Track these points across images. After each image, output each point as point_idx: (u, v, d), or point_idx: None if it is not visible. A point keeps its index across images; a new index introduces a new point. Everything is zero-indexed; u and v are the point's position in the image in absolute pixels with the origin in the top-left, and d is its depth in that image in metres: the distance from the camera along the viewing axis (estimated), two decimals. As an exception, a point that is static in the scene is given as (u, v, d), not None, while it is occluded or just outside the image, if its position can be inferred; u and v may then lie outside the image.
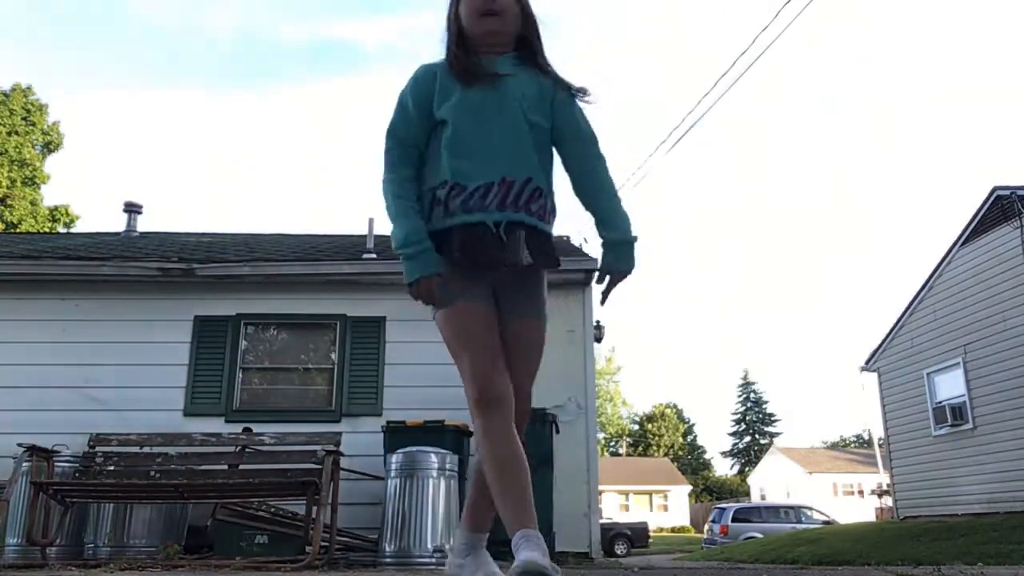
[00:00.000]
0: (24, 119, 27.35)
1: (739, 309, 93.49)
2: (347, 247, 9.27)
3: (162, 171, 72.87)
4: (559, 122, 2.24)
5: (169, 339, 7.82)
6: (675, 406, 65.00)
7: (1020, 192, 13.25)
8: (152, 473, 6.16)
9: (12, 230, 24.25)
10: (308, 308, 8.00)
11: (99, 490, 5.95)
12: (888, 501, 22.38)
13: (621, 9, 66.05)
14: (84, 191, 74.40)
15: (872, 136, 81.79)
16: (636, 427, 63.52)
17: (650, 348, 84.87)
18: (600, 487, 13.22)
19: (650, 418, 62.82)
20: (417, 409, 7.07)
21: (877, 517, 27.83)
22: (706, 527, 23.54)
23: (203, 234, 11.13)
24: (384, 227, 10.62)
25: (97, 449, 6.57)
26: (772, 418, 63.77)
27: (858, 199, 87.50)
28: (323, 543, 5.51)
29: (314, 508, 5.37)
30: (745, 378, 65.17)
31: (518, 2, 2.22)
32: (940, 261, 15.38)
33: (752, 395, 64.66)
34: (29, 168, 27.03)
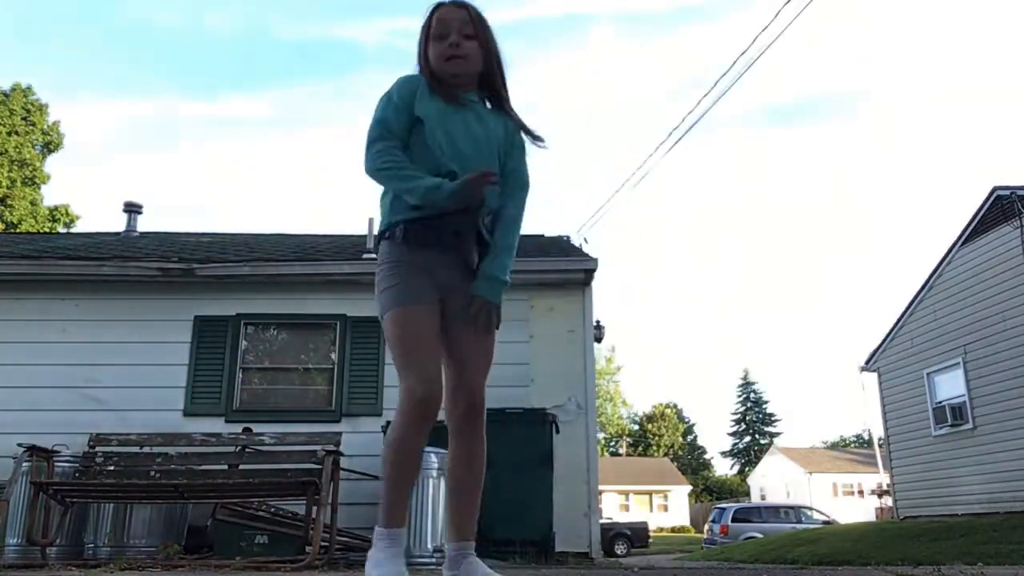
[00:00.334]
0: (24, 119, 27.36)
1: (739, 309, 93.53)
2: (347, 247, 9.27)
3: (162, 171, 72.86)
4: (509, 164, 2.41)
5: (169, 339, 7.82)
6: (675, 406, 65.04)
7: (1020, 192, 13.25)
8: (152, 473, 6.16)
9: (12, 230, 24.25)
10: (308, 308, 8.00)
11: (99, 490, 5.95)
12: (888, 501, 22.39)
13: (622, 9, 66.09)
14: (84, 191, 74.39)
15: (872, 136, 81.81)
16: (636, 427, 63.54)
17: (650, 348, 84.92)
18: (600, 487, 13.23)
19: (650, 418, 62.83)
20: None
21: (877, 517, 27.82)
22: (706, 527, 23.53)
23: (203, 234, 11.13)
24: (384, 227, 10.62)
25: (97, 449, 6.57)
26: (772, 418, 63.81)
27: (858, 199, 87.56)
28: (323, 543, 5.50)
29: (314, 508, 5.37)
30: (745, 378, 65.23)
31: (483, 46, 2.36)
32: (940, 261, 15.38)
33: (752, 395, 64.69)
34: (29, 168, 27.03)
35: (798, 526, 20.49)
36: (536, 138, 2.46)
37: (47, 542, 5.74)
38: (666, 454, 58.09)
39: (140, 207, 11.49)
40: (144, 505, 6.07)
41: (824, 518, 22.88)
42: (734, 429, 64.84)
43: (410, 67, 2.40)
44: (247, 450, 6.55)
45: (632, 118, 74.71)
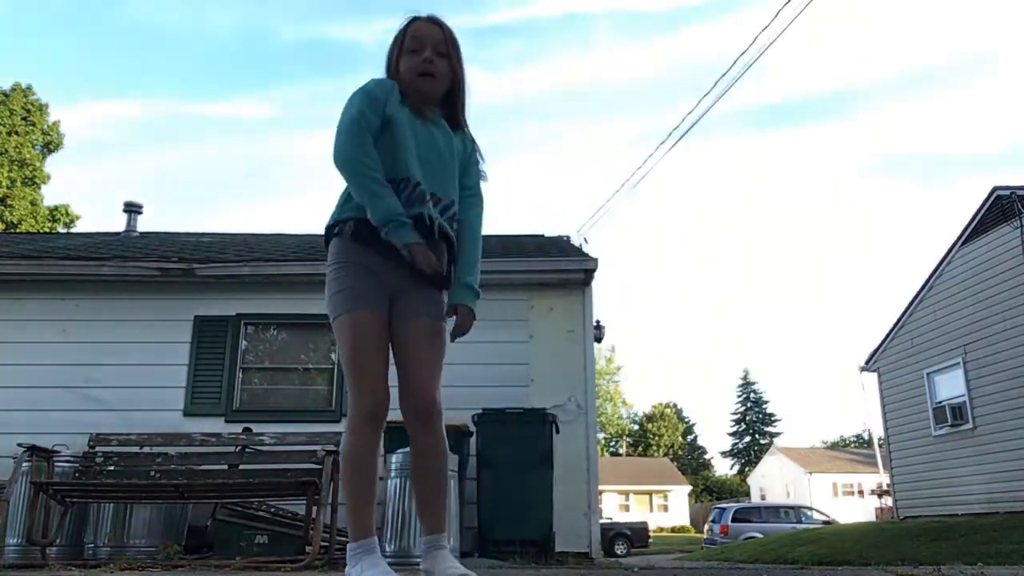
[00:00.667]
0: (24, 119, 27.36)
1: (739, 309, 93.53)
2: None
3: (162, 171, 72.85)
4: (466, 180, 2.49)
5: (169, 339, 7.82)
6: (675, 406, 65.05)
7: (1020, 192, 13.25)
8: (152, 473, 6.16)
9: (12, 230, 24.25)
10: (308, 308, 7.99)
11: (99, 490, 5.95)
12: (888, 501, 22.39)
13: (622, 9, 66.09)
14: (84, 191, 74.40)
15: (872, 136, 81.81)
16: (636, 427, 63.55)
17: (650, 348, 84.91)
18: (600, 487, 13.23)
19: (650, 418, 62.83)
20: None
21: (877, 517, 27.82)
22: (706, 527, 23.53)
23: (203, 234, 11.13)
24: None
25: (97, 449, 6.56)
26: (772, 418, 63.83)
27: (858, 199, 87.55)
28: (323, 543, 5.50)
29: (314, 508, 5.37)
30: (745, 378, 65.25)
31: (452, 67, 2.42)
32: (940, 261, 15.39)
33: (752, 395, 64.70)
34: (29, 168, 27.03)
35: (798, 526, 20.50)
36: (482, 171, 2.54)
37: (47, 542, 5.74)
38: (666, 454, 58.10)
39: (140, 207, 11.50)
40: (144, 505, 6.07)
41: (824, 518, 22.88)
42: (734, 429, 64.89)
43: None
44: (247, 450, 6.55)
45: (632, 118, 74.73)
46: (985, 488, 13.63)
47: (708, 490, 54.79)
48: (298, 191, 79.57)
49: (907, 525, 14.20)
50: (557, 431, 6.89)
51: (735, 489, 53.27)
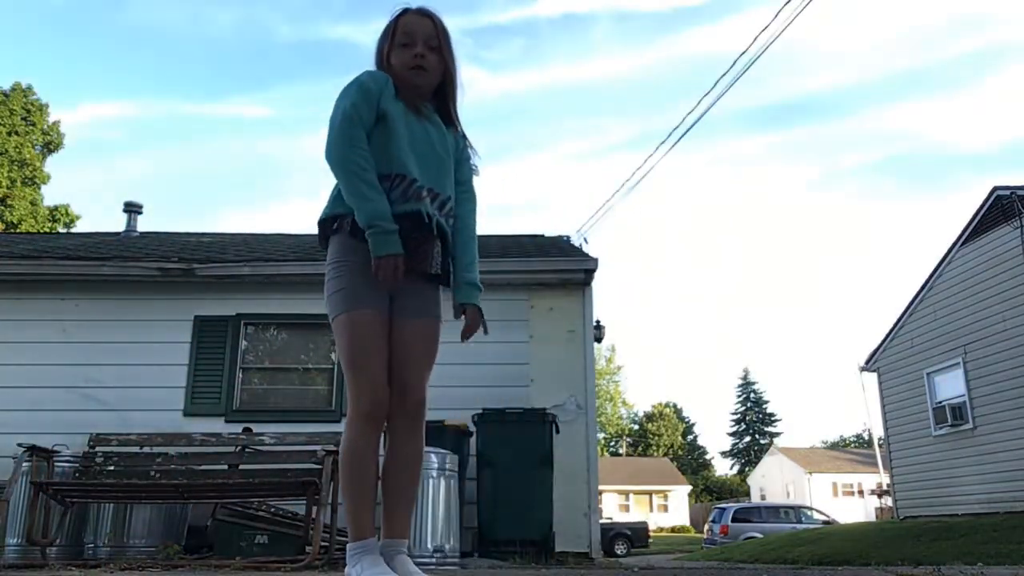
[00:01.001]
0: (24, 119, 27.36)
1: (739, 309, 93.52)
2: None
3: (162, 171, 72.87)
4: (459, 175, 2.47)
5: (169, 339, 7.82)
6: (674, 405, 65.06)
7: (1020, 192, 13.25)
8: (152, 473, 6.16)
9: (12, 230, 24.25)
10: (308, 308, 7.99)
11: (99, 490, 5.95)
12: (888, 501, 22.39)
13: (622, 9, 66.09)
14: (84, 191, 74.39)
15: (872, 135, 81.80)
16: (636, 427, 63.54)
17: (650, 348, 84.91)
18: (600, 487, 13.23)
19: (650, 417, 62.84)
20: (417, 409, 7.06)
21: (877, 517, 27.83)
22: (706, 527, 23.54)
23: (203, 234, 11.13)
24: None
25: (97, 449, 6.57)
26: (772, 418, 63.82)
27: (858, 199, 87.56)
28: (323, 543, 5.50)
29: (314, 508, 5.37)
30: (745, 378, 65.24)
31: (442, 62, 2.39)
32: (940, 261, 15.39)
33: (752, 395, 64.70)
34: (29, 168, 27.04)
35: (798, 526, 20.50)
36: (474, 165, 2.54)
37: (47, 542, 5.74)
38: (666, 454, 58.09)
39: (140, 207, 11.50)
40: (144, 505, 6.07)
41: (824, 518, 22.88)
42: (734, 429, 64.89)
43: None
44: (247, 450, 6.55)
45: (632, 118, 74.73)
46: (985, 488, 13.63)
47: (708, 490, 54.78)
48: (298, 191, 79.60)
49: (907, 525, 14.20)
50: (557, 431, 6.89)
51: (735, 489, 53.26)
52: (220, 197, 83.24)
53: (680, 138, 10.32)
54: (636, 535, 22.93)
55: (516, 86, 71.32)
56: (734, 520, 21.88)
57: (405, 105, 2.31)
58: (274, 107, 74.79)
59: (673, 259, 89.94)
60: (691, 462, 62.06)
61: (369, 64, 2.42)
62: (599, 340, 8.84)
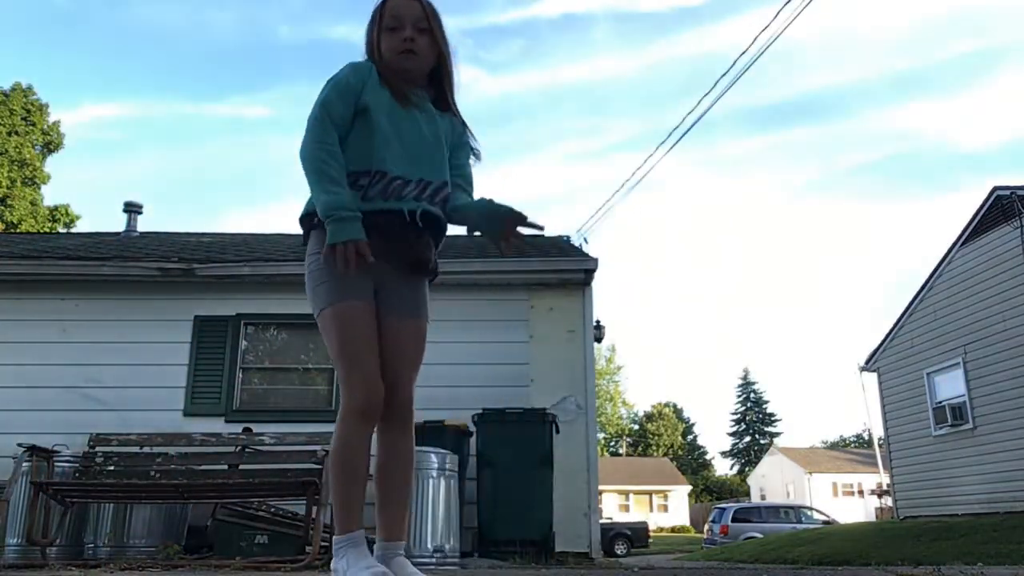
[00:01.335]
0: (24, 119, 27.36)
1: (739, 309, 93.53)
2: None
3: (162, 171, 72.86)
4: (455, 161, 2.37)
5: (169, 339, 7.82)
6: (674, 405, 65.05)
7: (1020, 192, 13.25)
8: (152, 473, 6.16)
9: (12, 230, 24.25)
10: (308, 308, 7.96)
11: (99, 490, 5.95)
12: (888, 501, 22.39)
13: (621, 9, 66.08)
14: (84, 191, 74.38)
15: (872, 134, 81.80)
16: (636, 427, 63.54)
17: (650, 348, 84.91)
18: (600, 487, 13.23)
19: (649, 417, 62.84)
20: (417, 409, 7.01)
21: (877, 517, 27.83)
22: (706, 527, 23.54)
23: (203, 234, 11.13)
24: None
25: (97, 449, 6.57)
26: (772, 418, 63.82)
27: (858, 199, 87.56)
28: (323, 543, 5.50)
29: (314, 508, 5.37)
30: (745, 378, 65.24)
31: (434, 45, 2.30)
32: (940, 261, 15.38)
33: (752, 395, 64.69)
34: (29, 168, 27.04)
35: (798, 526, 20.50)
36: (475, 149, 2.43)
37: (47, 542, 5.74)
38: (666, 454, 58.09)
39: (140, 207, 11.50)
40: (144, 505, 6.07)
41: (824, 518, 22.88)
42: (734, 429, 64.88)
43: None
44: (247, 450, 6.55)
45: (632, 118, 74.71)
46: (985, 488, 13.63)
47: (708, 490, 54.78)
48: (297, 191, 79.47)
49: (907, 525, 14.20)
50: (557, 431, 6.89)
51: (735, 489, 53.26)
52: (220, 197, 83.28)
53: (680, 138, 10.32)
54: (636, 535, 22.93)
55: (516, 86, 71.35)
56: (734, 520, 21.88)
57: (392, 94, 2.22)
58: (274, 107, 74.73)
59: (673, 259, 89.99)
60: (691, 462, 62.05)
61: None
62: (599, 340, 8.84)
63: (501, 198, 2.23)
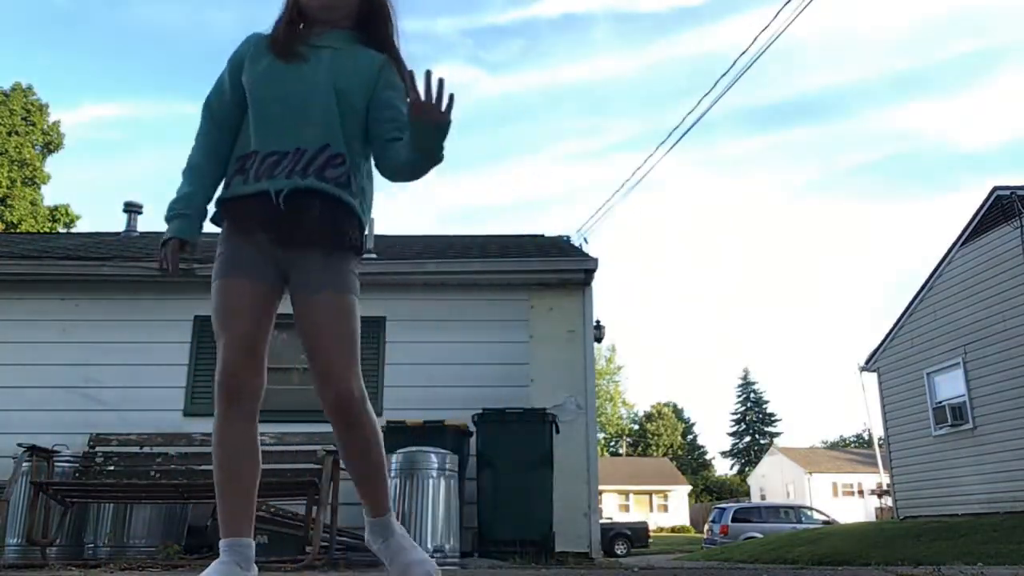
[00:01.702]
0: (24, 119, 27.36)
1: (739, 309, 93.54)
2: (347, 247, 9.26)
3: (162, 171, 72.86)
4: (381, 100, 2.12)
5: (169, 339, 7.81)
6: (674, 405, 65.05)
7: (1020, 192, 13.25)
8: (152, 473, 6.16)
9: (12, 230, 24.25)
10: (308, 308, 8.00)
11: (99, 490, 5.95)
12: (888, 501, 22.39)
13: (621, 10, 66.08)
14: (84, 191, 74.39)
15: (872, 134, 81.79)
16: (636, 427, 63.54)
17: (650, 348, 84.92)
18: (600, 487, 13.23)
19: (649, 417, 62.83)
20: (417, 409, 7.07)
21: (877, 517, 27.83)
22: (706, 527, 23.54)
23: (203, 234, 11.12)
24: (384, 227, 10.63)
25: (97, 449, 6.57)
26: (772, 418, 63.81)
27: (858, 199, 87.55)
28: (323, 543, 5.51)
29: (314, 508, 5.37)
30: (745, 378, 65.24)
31: None
32: (940, 261, 15.38)
33: (752, 395, 64.69)
34: (29, 168, 27.04)
35: (798, 526, 20.50)
36: (408, 80, 1.97)
37: (47, 542, 5.74)
38: (666, 454, 58.09)
39: (140, 207, 11.50)
40: (144, 505, 6.07)
41: (824, 518, 22.88)
42: (734, 429, 64.88)
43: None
44: (247, 450, 6.54)
45: (632, 118, 74.71)
46: (985, 488, 13.63)
47: (708, 490, 54.78)
48: (298, 191, 79.31)
49: (907, 525, 14.20)
50: (557, 431, 6.89)
51: (735, 489, 53.26)
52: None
53: (680, 138, 10.32)
54: (636, 535, 22.93)
55: (516, 86, 71.39)
56: (734, 520, 21.88)
57: (274, 52, 2.09)
58: (274, 107, 74.63)
59: (673, 259, 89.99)
60: (691, 462, 62.05)
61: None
62: (599, 340, 8.84)
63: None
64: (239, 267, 2.07)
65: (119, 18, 64.90)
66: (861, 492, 39.73)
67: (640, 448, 60.88)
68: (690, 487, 47.90)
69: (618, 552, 21.39)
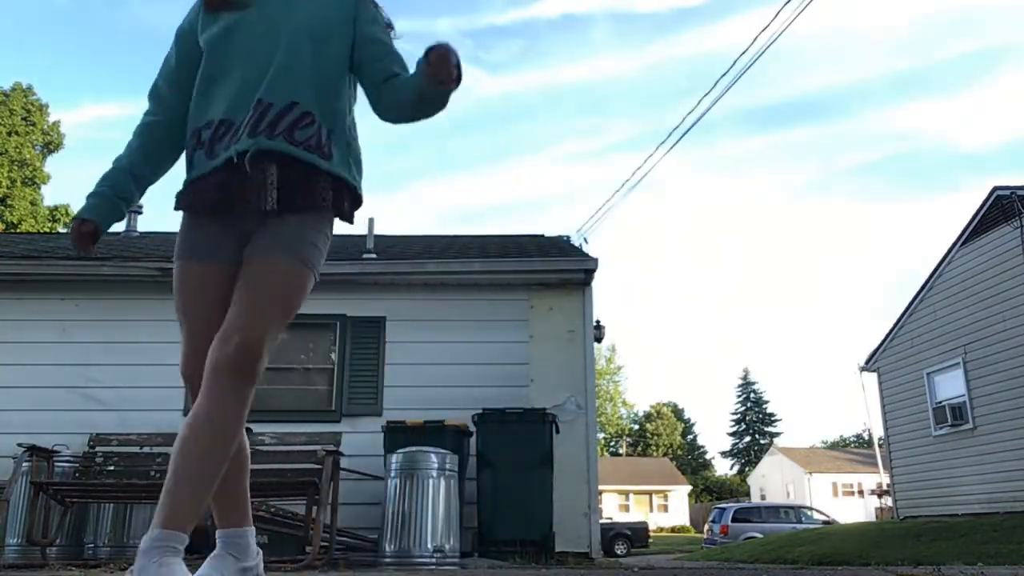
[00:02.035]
0: (24, 119, 27.36)
1: (739, 309, 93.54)
2: (347, 247, 9.26)
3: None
4: (360, 40, 1.97)
5: (169, 339, 7.76)
6: (674, 405, 65.03)
7: (1020, 192, 13.25)
8: (152, 473, 6.16)
9: (12, 230, 24.25)
10: (308, 308, 7.89)
11: (99, 490, 5.95)
12: (888, 501, 22.39)
13: (621, 10, 66.09)
14: (84, 191, 74.26)
15: (872, 134, 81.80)
16: (636, 427, 63.54)
17: (650, 348, 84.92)
18: (600, 487, 13.23)
19: (648, 417, 62.83)
20: (417, 409, 7.08)
21: (877, 517, 27.83)
22: (706, 527, 23.54)
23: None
24: (384, 227, 10.64)
25: (97, 449, 6.57)
26: (772, 418, 63.79)
27: (858, 199, 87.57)
28: (323, 543, 5.51)
29: (314, 508, 5.37)
30: (745, 378, 65.22)
31: None
32: (940, 261, 15.38)
33: (752, 395, 64.68)
34: (29, 168, 27.04)
35: (798, 526, 20.50)
36: (387, 21, 2.02)
37: (47, 542, 5.74)
38: (666, 454, 58.09)
39: (140, 207, 11.49)
40: (144, 505, 6.07)
41: (824, 518, 22.88)
42: (734, 429, 64.87)
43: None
44: (247, 450, 6.55)
45: (632, 118, 74.72)
46: (985, 488, 13.63)
47: (708, 490, 54.77)
48: (298, 191, 79.29)
49: (907, 525, 14.20)
50: (557, 431, 6.89)
51: (735, 489, 53.25)
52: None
53: (680, 138, 10.32)
54: (636, 535, 22.92)
55: (516, 87, 71.40)
56: (734, 520, 21.88)
57: (215, 8, 1.91)
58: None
59: (673, 259, 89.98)
60: (691, 462, 62.04)
61: None
62: (599, 340, 8.84)
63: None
64: (191, 250, 2.00)
65: (119, 18, 64.93)
66: (861, 492, 39.73)
67: (640, 448, 60.87)
68: (690, 487, 47.89)
69: (618, 552, 21.39)
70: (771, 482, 45.50)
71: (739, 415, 64.62)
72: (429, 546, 5.62)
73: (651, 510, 43.27)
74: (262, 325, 1.87)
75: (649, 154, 18.78)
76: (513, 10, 72.92)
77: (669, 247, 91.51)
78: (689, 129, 9.96)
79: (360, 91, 2.07)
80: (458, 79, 1.76)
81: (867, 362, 17.99)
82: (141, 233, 11.14)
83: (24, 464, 5.95)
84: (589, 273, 8.06)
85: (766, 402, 64.57)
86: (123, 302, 7.99)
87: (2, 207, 26.08)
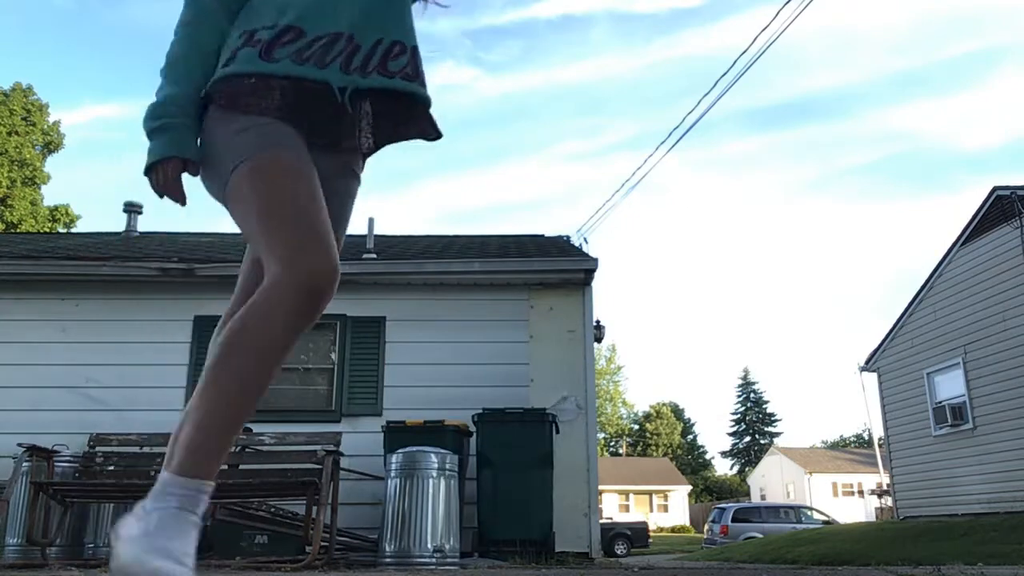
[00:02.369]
0: (24, 119, 27.34)
1: (739, 309, 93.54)
2: (347, 247, 9.22)
3: (162, 171, 72.77)
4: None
5: (169, 339, 7.81)
6: (674, 405, 65.03)
7: (1020, 192, 13.25)
8: (152, 473, 6.15)
9: (12, 230, 24.25)
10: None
11: (99, 490, 5.95)
12: (888, 501, 22.39)
13: (620, 11, 66.09)
14: (84, 191, 74.40)
15: (872, 134, 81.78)
16: (636, 427, 63.54)
17: (650, 348, 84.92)
18: (600, 487, 13.23)
19: (648, 417, 62.83)
20: (417, 409, 7.08)
21: (877, 517, 27.83)
22: (706, 527, 23.55)
23: (203, 234, 11.13)
24: (384, 227, 10.63)
25: (97, 449, 6.57)
26: (772, 418, 63.82)
27: (858, 199, 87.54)
28: (323, 543, 5.50)
29: (314, 508, 5.37)
30: (745, 378, 65.23)
31: None
32: (940, 261, 15.38)
33: (752, 395, 64.69)
34: (29, 168, 27.02)
35: (798, 526, 20.51)
36: None
37: (47, 542, 5.74)
38: (665, 454, 58.09)
39: (140, 207, 11.50)
40: (144, 505, 6.06)
41: (824, 518, 22.89)
42: (734, 429, 64.88)
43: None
44: (247, 450, 6.55)
45: (631, 118, 74.74)
46: (985, 488, 13.63)
47: (708, 490, 54.78)
48: (298, 191, 79.27)
49: (907, 525, 14.20)
50: (557, 431, 6.89)
51: (735, 489, 53.27)
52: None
53: (680, 138, 10.31)
54: (636, 535, 22.92)
55: (516, 87, 71.42)
56: (734, 520, 21.88)
57: None
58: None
59: (673, 259, 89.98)
60: (691, 462, 62.05)
61: None
62: (599, 340, 8.84)
63: None
64: (291, 141, 1.50)
65: (119, 18, 64.93)
66: (861, 492, 39.73)
67: (640, 448, 60.87)
68: (690, 487, 47.90)
69: (618, 552, 21.39)
70: (771, 482, 45.51)
71: (739, 415, 64.64)
72: (429, 546, 5.62)
73: (651, 510, 43.28)
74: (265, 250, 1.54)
75: (649, 154, 18.77)
76: (512, 10, 72.88)
77: (669, 247, 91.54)
78: (689, 129, 9.94)
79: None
80: None
81: (867, 362, 17.99)
82: (141, 233, 11.15)
83: (24, 464, 5.94)
84: (589, 273, 8.06)
85: (766, 402, 64.64)
86: (123, 302, 7.99)
87: (2, 207, 26.07)
